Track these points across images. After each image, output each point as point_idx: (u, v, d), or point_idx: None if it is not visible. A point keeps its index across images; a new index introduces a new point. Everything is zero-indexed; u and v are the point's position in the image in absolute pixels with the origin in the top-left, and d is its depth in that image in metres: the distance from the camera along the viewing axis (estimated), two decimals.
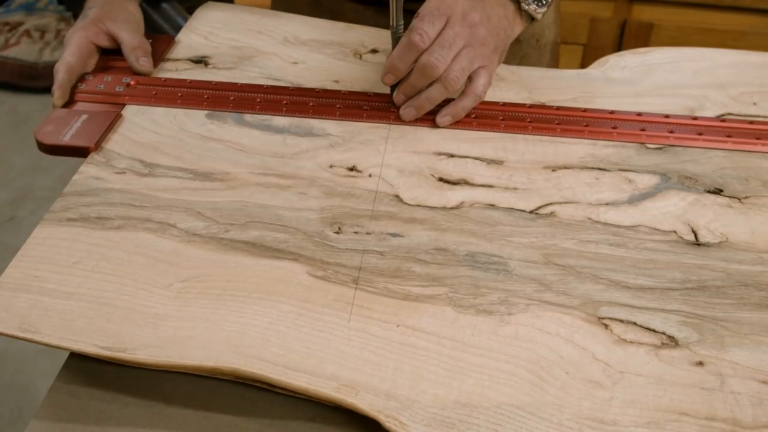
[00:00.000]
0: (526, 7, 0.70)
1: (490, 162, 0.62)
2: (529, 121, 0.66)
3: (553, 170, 0.61)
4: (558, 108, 0.68)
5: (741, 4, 1.52)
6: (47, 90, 2.08)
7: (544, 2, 0.71)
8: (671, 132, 0.65)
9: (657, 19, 1.57)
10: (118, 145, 0.62)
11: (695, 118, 0.67)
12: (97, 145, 0.62)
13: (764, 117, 0.68)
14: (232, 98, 0.68)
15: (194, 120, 0.66)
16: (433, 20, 0.63)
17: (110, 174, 0.59)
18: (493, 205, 0.58)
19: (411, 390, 0.45)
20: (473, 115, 0.67)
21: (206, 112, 0.66)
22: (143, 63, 0.71)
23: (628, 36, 1.60)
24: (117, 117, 0.65)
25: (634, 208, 0.58)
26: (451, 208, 0.58)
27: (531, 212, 0.58)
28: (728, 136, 0.65)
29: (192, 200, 0.57)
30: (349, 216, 0.57)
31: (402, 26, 0.66)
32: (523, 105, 0.68)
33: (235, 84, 0.69)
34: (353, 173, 0.61)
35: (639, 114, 0.67)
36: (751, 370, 0.47)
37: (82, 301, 0.49)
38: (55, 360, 1.37)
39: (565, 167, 0.62)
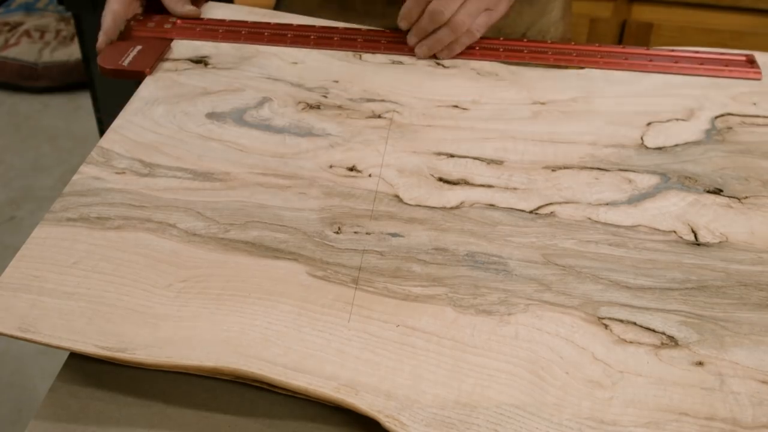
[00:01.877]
0: None
1: (490, 162, 0.62)
2: (527, 52, 0.75)
3: (552, 170, 0.62)
4: (552, 41, 0.79)
5: (741, 4, 1.52)
6: (47, 90, 2.09)
7: None
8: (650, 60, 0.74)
9: (657, 19, 1.57)
10: (117, 145, 0.62)
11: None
12: (152, 70, 0.72)
13: (764, 117, 0.68)
14: (266, 34, 0.77)
15: (194, 120, 0.66)
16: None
17: (110, 174, 0.59)
18: (492, 205, 0.58)
19: (411, 390, 0.45)
20: (476, 47, 0.76)
21: (206, 111, 0.66)
22: (188, 9, 0.78)
23: (627, 36, 1.60)
24: (167, 47, 0.75)
25: (634, 208, 0.58)
26: (451, 208, 0.58)
27: (531, 212, 0.58)
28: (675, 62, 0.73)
29: (192, 200, 0.57)
30: (349, 216, 0.57)
31: None
32: (521, 40, 0.77)
33: (268, 23, 0.79)
34: (353, 173, 0.61)
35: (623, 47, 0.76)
36: (751, 370, 0.47)
37: (81, 301, 0.49)
38: (54, 360, 1.37)
39: (565, 167, 0.62)
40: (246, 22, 0.79)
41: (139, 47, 0.75)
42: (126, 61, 0.73)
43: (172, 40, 0.76)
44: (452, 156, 0.63)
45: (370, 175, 0.61)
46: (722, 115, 0.68)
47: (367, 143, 0.64)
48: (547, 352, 0.47)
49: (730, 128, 0.67)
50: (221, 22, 0.79)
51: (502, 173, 0.61)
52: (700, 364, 0.47)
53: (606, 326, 0.49)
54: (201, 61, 0.73)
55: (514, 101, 0.70)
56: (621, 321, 0.50)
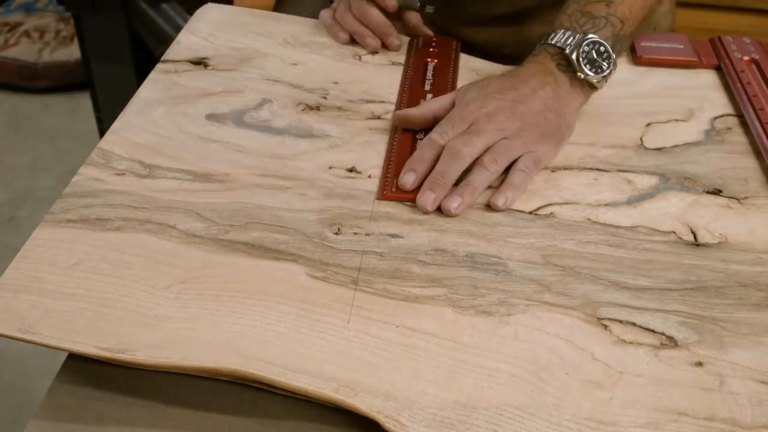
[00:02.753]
0: (584, 77, 0.63)
1: None
2: None
3: (552, 171, 0.62)
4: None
5: (741, 4, 1.52)
6: (47, 90, 2.08)
7: (603, 68, 0.63)
8: None
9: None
10: (117, 147, 0.62)
11: None
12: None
13: None
14: None
15: (194, 121, 0.66)
16: (454, 123, 0.60)
17: (110, 175, 0.59)
18: None
19: (410, 391, 0.45)
20: None
21: (206, 113, 0.66)
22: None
23: None
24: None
25: (634, 208, 0.59)
26: None
27: (530, 213, 0.58)
28: None
29: (191, 201, 0.57)
30: (349, 217, 0.57)
31: None
32: None
33: None
34: (353, 174, 0.61)
35: None
36: (751, 370, 0.47)
37: (81, 303, 0.49)
38: (54, 360, 1.37)
39: (565, 168, 0.62)
40: None
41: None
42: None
43: None
44: None
45: (369, 176, 0.61)
46: (722, 116, 0.69)
47: (366, 144, 0.64)
48: (547, 353, 0.47)
49: (729, 129, 0.67)
50: None
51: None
52: (700, 364, 0.47)
53: (605, 327, 0.49)
54: (200, 63, 0.73)
55: None
56: (620, 321, 0.50)
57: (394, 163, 0.61)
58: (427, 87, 0.71)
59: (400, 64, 0.74)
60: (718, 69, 0.74)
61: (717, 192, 0.60)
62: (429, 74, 0.73)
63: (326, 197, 0.58)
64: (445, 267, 0.53)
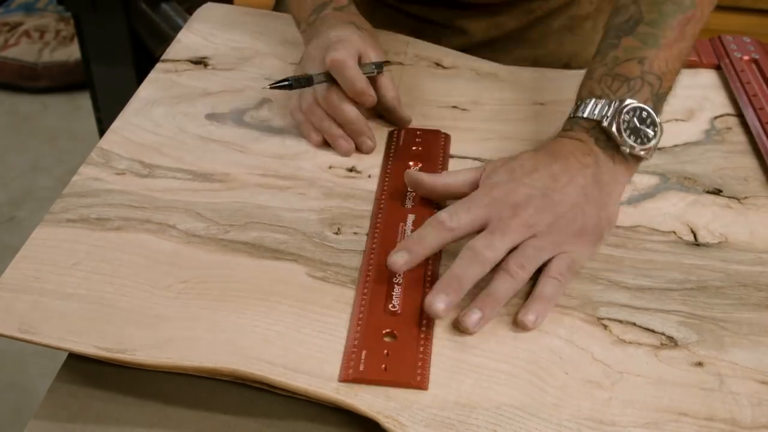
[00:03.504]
0: (629, 150, 0.53)
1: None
2: None
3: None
4: None
5: (741, 4, 1.52)
6: (47, 90, 2.08)
7: (649, 136, 0.54)
8: None
9: None
10: (117, 146, 0.62)
11: None
12: None
13: None
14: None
15: (194, 121, 0.66)
16: (470, 208, 0.51)
17: (110, 175, 0.59)
18: None
19: (410, 391, 0.45)
20: None
21: (206, 112, 0.66)
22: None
23: None
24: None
25: (634, 208, 0.58)
26: None
27: None
28: None
29: (192, 201, 0.57)
30: (349, 217, 0.57)
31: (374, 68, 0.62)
32: None
33: None
34: (353, 174, 0.61)
35: None
36: (750, 370, 0.47)
37: (81, 302, 0.49)
38: (54, 360, 1.37)
39: None
40: None
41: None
42: None
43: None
44: (452, 156, 0.63)
45: (369, 176, 0.61)
46: (722, 116, 0.68)
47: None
48: (547, 353, 0.47)
49: (729, 128, 0.67)
50: None
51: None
52: (700, 364, 0.47)
53: (605, 327, 0.49)
54: (201, 62, 0.73)
55: (514, 102, 0.70)
56: (620, 321, 0.50)
57: (378, 246, 0.53)
58: (408, 205, 0.57)
59: (400, 64, 0.74)
60: (718, 69, 0.74)
61: (717, 192, 0.60)
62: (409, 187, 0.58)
63: (326, 197, 0.58)
64: (445, 267, 0.53)
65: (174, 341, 0.47)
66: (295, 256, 0.53)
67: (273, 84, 0.61)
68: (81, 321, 0.48)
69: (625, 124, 0.53)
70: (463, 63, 0.75)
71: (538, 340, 0.48)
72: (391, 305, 0.49)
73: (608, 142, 0.54)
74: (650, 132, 0.54)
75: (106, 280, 0.51)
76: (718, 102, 0.70)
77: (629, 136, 0.53)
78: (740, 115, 0.68)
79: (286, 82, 0.61)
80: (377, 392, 0.45)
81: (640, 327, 0.49)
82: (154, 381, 0.47)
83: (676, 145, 0.65)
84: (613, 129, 0.53)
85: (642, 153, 0.54)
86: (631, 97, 0.54)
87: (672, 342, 0.48)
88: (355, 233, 0.55)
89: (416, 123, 0.66)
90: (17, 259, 0.52)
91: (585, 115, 0.55)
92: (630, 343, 0.48)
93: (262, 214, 0.57)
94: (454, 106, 0.69)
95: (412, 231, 0.54)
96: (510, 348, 0.48)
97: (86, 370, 0.48)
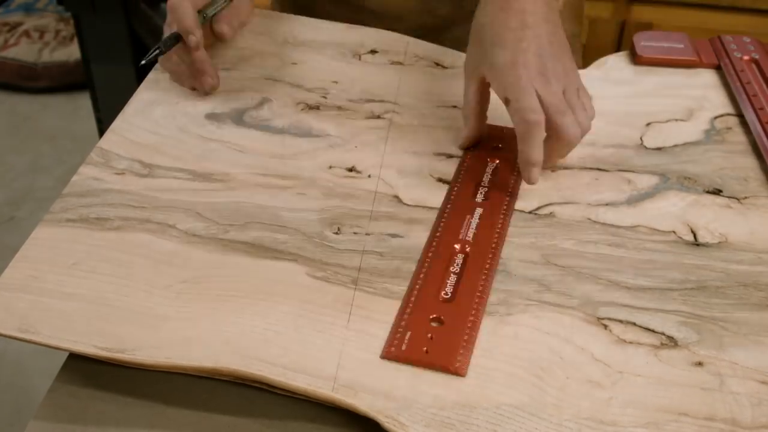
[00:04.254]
0: None
1: None
2: None
3: (552, 170, 0.61)
4: None
5: (741, 4, 1.52)
6: (47, 90, 2.08)
7: None
8: None
9: (656, 19, 1.57)
10: (117, 146, 0.62)
11: None
12: None
13: None
14: None
15: (194, 121, 0.66)
16: (525, 91, 0.57)
17: (109, 175, 0.59)
18: None
19: (410, 390, 0.45)
20: None
21: (206, 112, 0.66)
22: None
23: (627, 36, 1.60)
24: None
25: (634, 208, 0.58)
26: None
27: (530, 212, 0.58)
28: None
29: (191, 201, 0.57)
30: (349, 217, 0.57)
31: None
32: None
33: None
34: (352, 174, 0.61)
35: None
36: (751, 370, 0.47)
37: (81, 302, 0.49)
38: (53, 360, 1.37)
39: (565, 168, 0.62)
40: None
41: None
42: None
43: None
44: (452, 156, 0.63)
45: (369, 176, 0.61)
46: (722, 116, 0.68)
47: (366, 144, 0.64)
48: (547, 353, 0.47)
49: (729, 128, 0.67)
50: None
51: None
52: (700, 364, 0.47)
53: (605, 326, 0.49)
54: None
55: None
56: (620, 321, 0.50)
57: (441, 235, 0.54)
58: (479, 198, 0.59)
59: (400, 63, 0.74)
60: (718, 68, 0.74)
61: (717, 192, 0.60)
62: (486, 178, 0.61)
63: (326, 197, 0.58)
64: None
65: (173, 341, 0.47)
66: (295, 256, 0.53)
67: (145, 57, 0.66)
68: (81, 321, 0.48)
69: None
70: (462, 63, 0.75)
71: (539, 340, 0.48)
72: (443, 292, 0.50)
73: None
74: None
75: (106, 279, 0.51)
76: (718, 102, 0.70)
77: None
78: (740, 115, 0.68)
79: (157, 51, 0.66)
80: (377, 392, 0.45)
81: (640, 327, 0.49)
82: (154, 381, 0.47)
83: (676, 145, 0.65)
84: None
85: None
86: None
87: (672, 342, 0.48)
88: (355, 233, 0.55)
89: (416, 123, 0.66)
90: (17, 259, 0.52)
91: None
92: (630, 342, 0.48)
93: (261, 214, 0.57)
94: (454, 106, 0.69)
95: (478, 224, 0.56)
96: (510, 348, 0.48)
97: (86, 370, 0.48)
